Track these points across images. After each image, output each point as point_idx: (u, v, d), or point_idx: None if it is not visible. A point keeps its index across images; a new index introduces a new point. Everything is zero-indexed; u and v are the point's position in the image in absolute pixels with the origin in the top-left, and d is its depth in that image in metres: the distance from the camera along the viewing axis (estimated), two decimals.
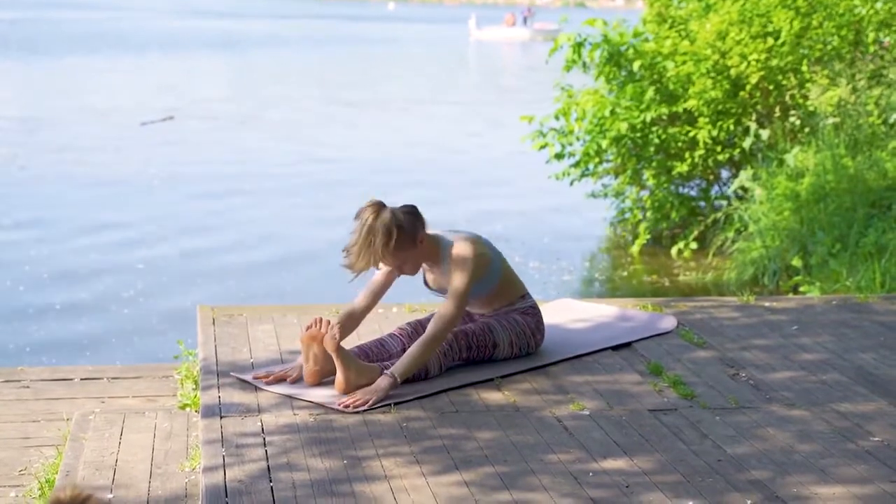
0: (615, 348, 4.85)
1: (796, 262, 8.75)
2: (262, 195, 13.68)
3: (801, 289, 8.43)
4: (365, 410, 4.04)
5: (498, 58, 44.57)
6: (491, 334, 4.56)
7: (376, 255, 4.28)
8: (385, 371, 4.19)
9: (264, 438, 3.78)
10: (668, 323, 5.21)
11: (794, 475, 3.58)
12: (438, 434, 3.85)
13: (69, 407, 4.87)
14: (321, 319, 4.23)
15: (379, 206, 4.31)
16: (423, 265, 4.54)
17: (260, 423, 3.91)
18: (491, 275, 4.54)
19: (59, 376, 5.31)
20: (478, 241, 4.51)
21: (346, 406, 4.04)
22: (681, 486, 3.49)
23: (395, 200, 4.45)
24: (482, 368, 4.51)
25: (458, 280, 4.39)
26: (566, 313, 5.33)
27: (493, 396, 4.24)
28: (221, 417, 3.95)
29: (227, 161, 16.13)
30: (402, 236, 4.31)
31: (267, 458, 3.62)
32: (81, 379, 5.26)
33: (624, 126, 10.06)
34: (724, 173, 11.50)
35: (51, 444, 4.51)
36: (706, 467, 3.63)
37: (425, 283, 4.66)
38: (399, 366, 4.23)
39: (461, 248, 4.44)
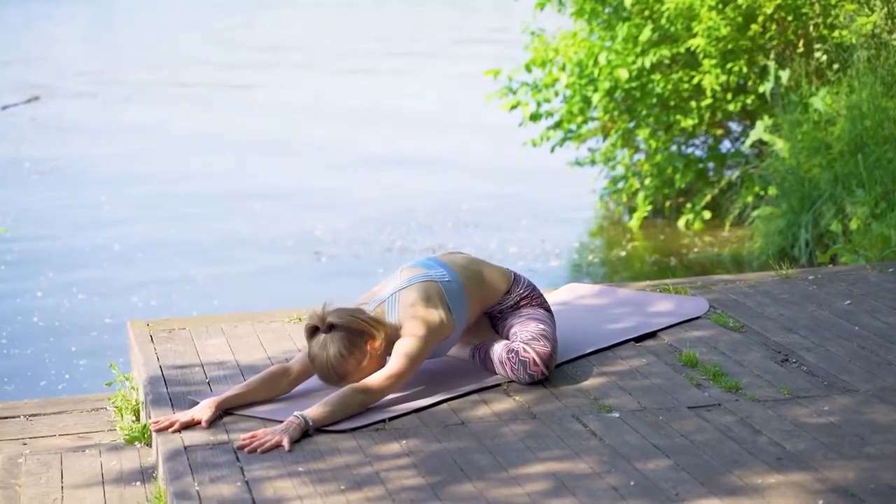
0: (638, 339, 5.10)
1: (835, 226, 8.98)
2: (159, 186, 13.70)
3: (843, 259, 8.67)
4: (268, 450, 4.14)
5: None
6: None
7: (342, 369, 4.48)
8: (296, 412, 4.27)
9: (241, 468, 3.97)
10: (698, 306, 5.46)
11: (872, 470, 3.84)
12: (447, 450, 4.07)
13: None
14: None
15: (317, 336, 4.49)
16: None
17: (233, 452, 4.10)
18: (457, 322, 4.68)
19: None
20: (429, 296, 4.62)
21: (244, 448, 4.13)
22: (740, 490, 3.74)
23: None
24: (482, 372, 4.73)
25: (409, 341, 4.52)
26: (575, 301, 5.56)
27: (504, 404, 4.47)
28: (186, 449, 4.14)
29: (114, 149, 16.17)
30: (353, 355, 4.48)
31: (250, 491, 3.81)
32: None
33: (624, 74, 10.25)
34: (734, 126, 11.73)
35: None
36: (766, 468, 3.88)
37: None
38: (316, 411, 4.28)
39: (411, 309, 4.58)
